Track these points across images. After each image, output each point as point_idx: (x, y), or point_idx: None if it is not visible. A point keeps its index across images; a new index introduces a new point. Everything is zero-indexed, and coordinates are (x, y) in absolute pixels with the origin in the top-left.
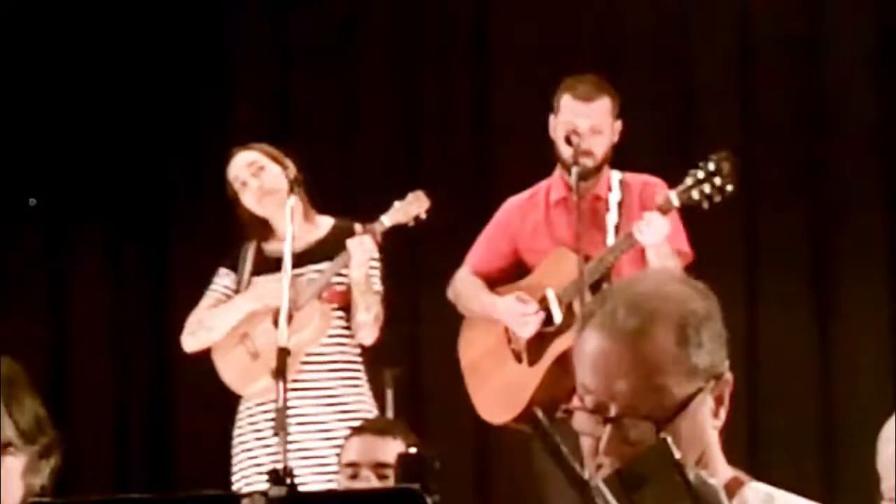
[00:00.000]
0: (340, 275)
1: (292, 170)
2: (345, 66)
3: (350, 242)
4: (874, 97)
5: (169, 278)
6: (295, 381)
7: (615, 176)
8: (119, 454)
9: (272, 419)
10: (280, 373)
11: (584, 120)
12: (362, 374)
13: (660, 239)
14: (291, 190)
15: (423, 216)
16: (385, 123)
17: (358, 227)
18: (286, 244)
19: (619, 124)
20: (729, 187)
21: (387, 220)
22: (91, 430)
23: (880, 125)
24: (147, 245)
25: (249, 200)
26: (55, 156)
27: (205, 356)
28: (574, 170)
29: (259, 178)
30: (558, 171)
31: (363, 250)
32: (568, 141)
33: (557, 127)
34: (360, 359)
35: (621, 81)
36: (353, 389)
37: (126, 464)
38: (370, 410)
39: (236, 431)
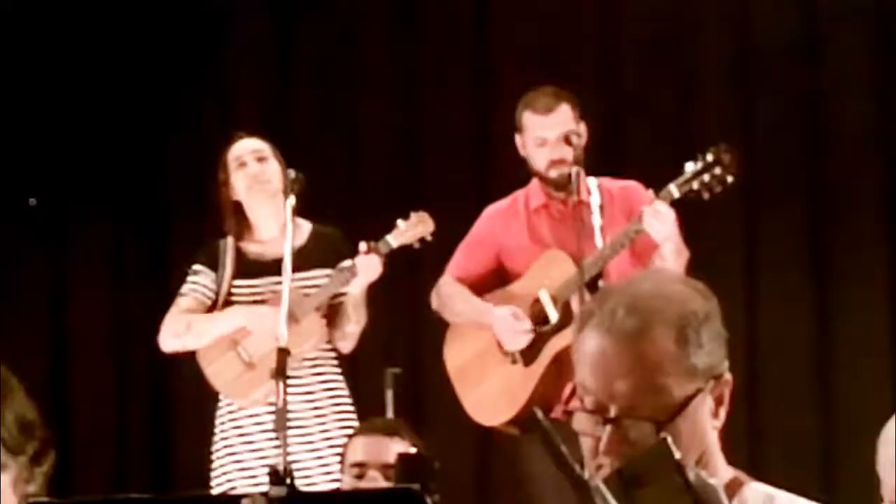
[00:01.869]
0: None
1: (291, 171)
2: (346, 69)
3: (359, 261)
4: (874, 97)
5: (169, 278)
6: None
7: (592, 181)
8: (119, 454)
9: (273, 419)
10: (280, 373)
11: (551, 131)
12: (342, 381)
13: (669, 229)
14: (292, 190)
15: (429, 238)
16: (386, 128)
17: (363, 245)
18: (286, 246)
19: (584, 126)
20: (730, 178)
21: (392, 240)
22: (91, 430)
23: (880, 125)
24: (147, 245)
25: (240, 184)
26: (55, 156)
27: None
28: (574, 170)
29: (260, 165)
30: (536, 180)
31: (372, 269)
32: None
33: (526, 143)
34: (338, 365)
35: (621, 81)
36: (332, 395)
37: (126, 464)
38: (350, 416)
39: (220, 434)
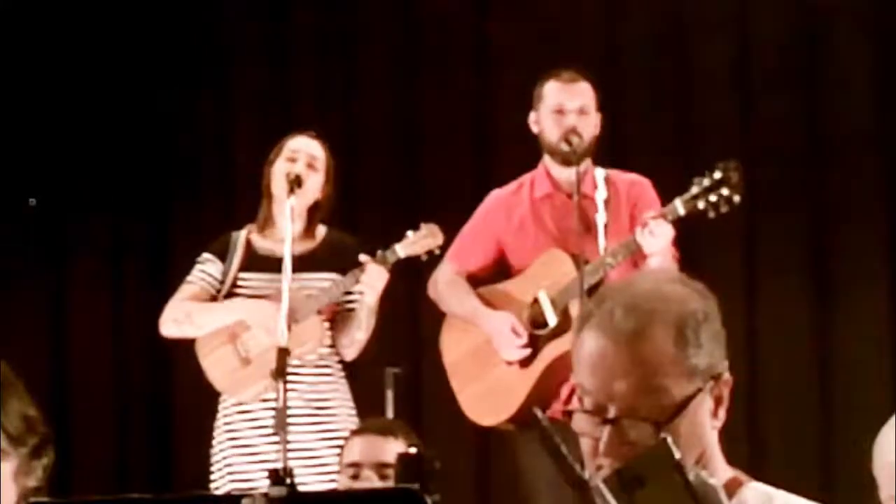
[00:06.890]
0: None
1: (292, 172)
2: (345, 67)
3: (367, 272)
4: (874, 98)
5: (169, 278)
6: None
7: (599, 173)
8: (119, 453)
9: (272, 418)
10: (280, 373)
11: (571, 101)
12: (344, 385)
13: (662, 245)
14: (291, 190)
15: (437, 252)
16: (385, 127)
17: (364, 257)
18: (286, 246)
19: (598, 116)
20: (737, 198)
21: (401, 250)
22: (91, 430)
23: (880, 126)
24: (147, 245)
25: (279, 177)
26: (55, 156)
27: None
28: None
29: (306, 171)
30: (542, 166)
31: (379, 279)
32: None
33: (541, 116)
34: (341, 368)
35: (621, 82)
36: (334, 398)
37: (126, 463)
38: (350, 420)
39: (217, 433)
